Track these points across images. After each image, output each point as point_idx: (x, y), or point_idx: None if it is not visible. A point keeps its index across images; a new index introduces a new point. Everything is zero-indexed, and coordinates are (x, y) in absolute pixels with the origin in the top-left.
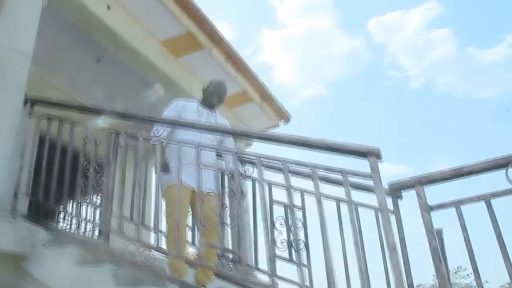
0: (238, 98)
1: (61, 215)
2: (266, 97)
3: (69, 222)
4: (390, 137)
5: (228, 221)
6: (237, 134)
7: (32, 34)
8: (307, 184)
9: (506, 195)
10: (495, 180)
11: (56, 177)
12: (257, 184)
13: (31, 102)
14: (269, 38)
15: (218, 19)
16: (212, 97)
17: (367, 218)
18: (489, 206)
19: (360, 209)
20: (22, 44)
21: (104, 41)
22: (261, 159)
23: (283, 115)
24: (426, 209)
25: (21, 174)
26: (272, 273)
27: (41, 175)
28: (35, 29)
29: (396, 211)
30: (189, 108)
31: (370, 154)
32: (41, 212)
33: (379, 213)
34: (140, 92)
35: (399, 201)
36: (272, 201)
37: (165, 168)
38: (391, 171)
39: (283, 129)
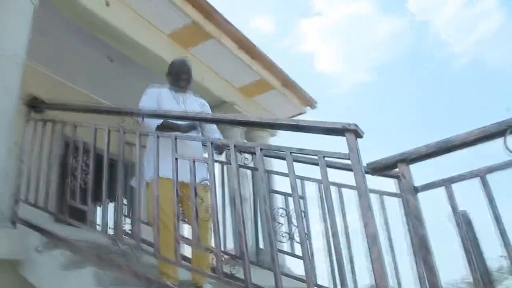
0: (257, 87)
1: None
2: (287, 83)
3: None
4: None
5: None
6: (212, 120)
7: (23, 36)
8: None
9: (505, 168)
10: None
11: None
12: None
13: (29, 106)
14: (307, 28)
15: (256, 13)
16: (179, 78)
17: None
18: (485, 183)
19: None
20: (12, 47)
21: (106, 38)
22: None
23: (308, 101)
24: (411, 191)
25: (21, 179)
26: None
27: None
28: (26, 31)
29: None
30: (164, 95)
31: (347, 131)
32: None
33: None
34: None
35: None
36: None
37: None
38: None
39: (309, 115)
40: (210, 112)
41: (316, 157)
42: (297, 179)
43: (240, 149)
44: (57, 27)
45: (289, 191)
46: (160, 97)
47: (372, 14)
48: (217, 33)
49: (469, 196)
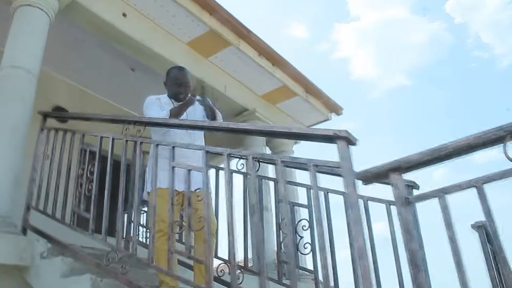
0: (279, 93)
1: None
2: (311, 90)
3: None
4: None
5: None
6: (205, 128)
7: (38, 49)
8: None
9: (504, 178)
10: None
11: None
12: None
13: (43, 115)
14: (343, 33)
15: (292, 20)
16: (178, 92)
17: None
18: (482, 194)
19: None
20: (28, 61)
21: (125, 49)
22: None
23: (333, 107)
24: (403, 203)
25: (33, 187)
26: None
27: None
28: (42, 44)
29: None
30: (165, 104)
31: (338, 139)
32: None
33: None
34: None
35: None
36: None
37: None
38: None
39: (334, 122)
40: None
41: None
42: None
43: (233, 156)
44: (81, 39)
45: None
46: (161, 106)
47: (409, 18)
48: (235, 40)
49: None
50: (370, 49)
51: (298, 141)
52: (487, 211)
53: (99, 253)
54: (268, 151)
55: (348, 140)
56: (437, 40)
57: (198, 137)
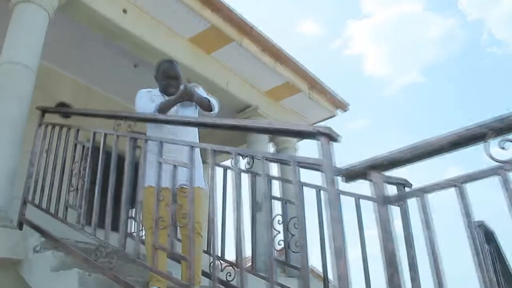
0: (283, 90)
1: None
2: (315, 86)
3: None
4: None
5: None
6: (174, 122)
7: (37, 46)
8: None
9: (486, 177)
10: None
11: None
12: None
13: (41, 111)
14: (356, 30)
15: (304, 18)
16: (167, 85)
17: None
18: (462, 194)
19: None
20: (26, 57)
21: (126, 45)
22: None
23: (339, 104)
24: (381, 201)
25: (30, 182)
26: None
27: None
28: (41, 42)
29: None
30: (156, 96)
31: (320, 135)
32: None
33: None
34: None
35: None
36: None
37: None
38: None
39: (343, 119)
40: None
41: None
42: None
43: (216, 151)
44: (83, 35)
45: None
46: (154, 98)
47: (422, 14)
48: (237, 36)
49: None
50: (383, 46)
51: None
52: (467, 211)
53: (87, 247)
54: (271, 148)
55: (330, 137)
56: (451, 37)
57: (190, 132)
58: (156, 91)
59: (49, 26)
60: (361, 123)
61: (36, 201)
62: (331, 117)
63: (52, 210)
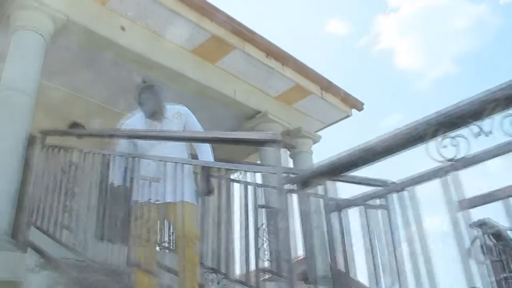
0: (293, 93)
1: None
2: (327, 87)
3: None
4: None
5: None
6: (127, 136)
7: (34, 72)
8: None
9: (433, 179)
10: None
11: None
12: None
13: (43, 134)
14: (384, 25)
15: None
16: (148, 112)
17: None
18: (401, 198)
19: None
20: (23, 83)
21: (127, 62)
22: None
23: (353, 104)
24: (327, 210)
25: (32, 204)
26: None
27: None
28: (38, 67)
29: None
30: (137, 125)
31: (275, 143)
32: None
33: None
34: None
35: None
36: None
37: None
38: None
39: (371, 115)
40: (192, 119)
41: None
42: None
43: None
44: (91, 56)
45: None
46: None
47: (450, 3)
48: (239, 43)
49: None
50: (413, 39)
51: (317, 140)
52: (393, 221)
53: (80, 266)
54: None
55: (283, 144)
56: (483, 24)
57: (178, 149)
58: (139, 117)
59: (56, 49)
60: (394, 118)
61: (38, 223)
62: (346, 117)
63: (50, 230)
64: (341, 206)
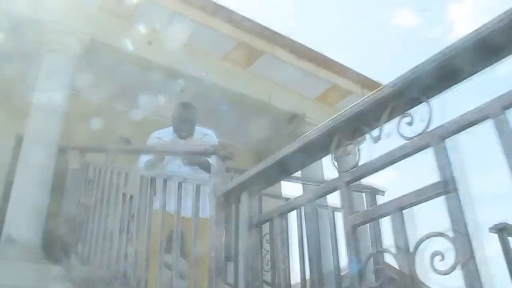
0: (332, 94)
1: None
2: (368, 85)
3: None
4: None
5: None
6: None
7: (63, 91)
8: None
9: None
10: None
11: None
12: None
13: (80, 151)
14: (458, 12)
15: (398, 8)
16: (178, 128)
17: None
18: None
19: None
20: (52, 102)
21: (157, 75)
22: None
23: None
24: (248, 224)
25: (63, 219)
26: None
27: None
28: (65, 86)
29: None
30: (167, 136)
31: (212, 154)
32: None
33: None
34: (220, 116)
35: None
36: None
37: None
38: None
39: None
40: (212, 140)
41: None
42: None
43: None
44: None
45: None
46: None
47: None
48: (268, 47)
49: None
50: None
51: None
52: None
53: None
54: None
55: (221, 156)
56: None
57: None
58: (168, 131)
59: (95, 67)
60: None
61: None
62: None
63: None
64: (262, 219)
